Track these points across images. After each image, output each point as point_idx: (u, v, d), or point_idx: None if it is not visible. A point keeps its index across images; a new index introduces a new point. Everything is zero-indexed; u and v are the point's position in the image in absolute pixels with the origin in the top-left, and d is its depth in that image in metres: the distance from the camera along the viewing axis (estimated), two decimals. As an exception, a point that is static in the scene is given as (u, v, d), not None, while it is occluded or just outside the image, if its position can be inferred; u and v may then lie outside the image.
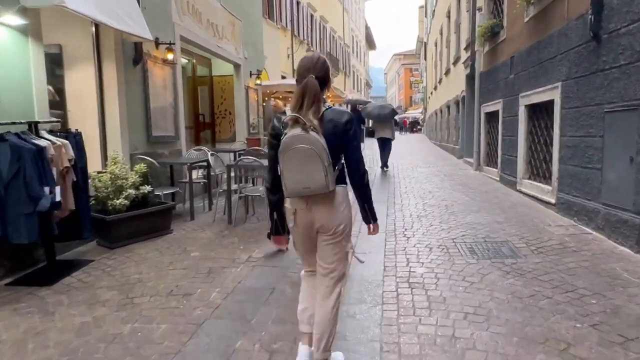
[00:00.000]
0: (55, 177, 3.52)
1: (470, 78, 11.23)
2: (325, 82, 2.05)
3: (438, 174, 9.58)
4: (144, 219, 4.73)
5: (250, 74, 10.72)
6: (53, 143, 3.57)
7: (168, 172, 6.24)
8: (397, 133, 36.56)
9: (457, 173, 9.65)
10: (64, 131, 3.90)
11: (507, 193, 7.00)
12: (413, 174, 9.90)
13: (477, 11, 9.33)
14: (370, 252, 4.13)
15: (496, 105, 8.12)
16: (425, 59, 33.44)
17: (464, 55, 11.40)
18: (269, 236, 4.06)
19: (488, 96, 8.77)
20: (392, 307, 3.04)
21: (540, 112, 6.18)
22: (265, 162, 5.35)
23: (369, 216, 2.19)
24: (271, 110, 18.43)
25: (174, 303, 3.15)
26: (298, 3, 22.40)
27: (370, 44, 58.15)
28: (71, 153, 3.72)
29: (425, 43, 33.04)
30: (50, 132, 3.78)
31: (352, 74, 40.50)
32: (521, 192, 6.67)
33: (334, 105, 2.32)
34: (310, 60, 2.06)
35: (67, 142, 3.71)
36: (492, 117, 8.71)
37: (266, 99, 16.34)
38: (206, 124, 10.03)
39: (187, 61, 9.12)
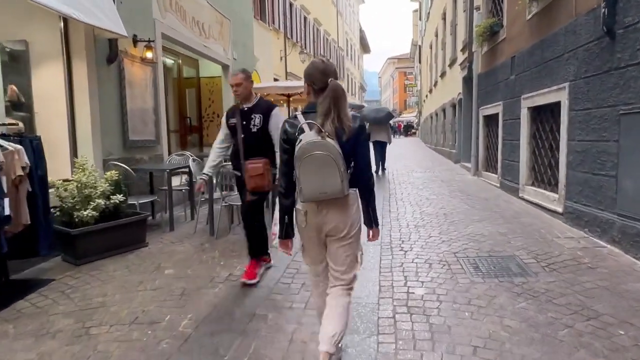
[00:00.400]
0: (4, 187, 3.08)
1: (467, 80, 10.90)
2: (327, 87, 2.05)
3: (435, 180, 9.21)
4: (115, 232, 4.30)
5: (240, 76, 10.29)
6: (3, 149, 3.14)
7: (147, 179, 5.81)
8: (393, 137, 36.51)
9: (454, 178, 9.28)
10: (19, 135, 3.46)
11: (508, 200, 6.62)
12: (409, 179, 9.52)
13: (474, 10, 9.00)
14: (364, 268, 3.72)
15: (496, 108, 7.76)
16: (419, 62, 33.23)
17: (461, 57, 11.07)
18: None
19: (487, 98, 8.43)
20: (389, 337, 2.63)
21: (544, 115, 5.82)
22: None
23: (372, 220, 2.23)
24: (263, 113, 18.02)
25: (137, 334, 2.72)
26: (291, 5, 22.07)
27: (365, 47, 57.99)
28: (25, 160, 3.29)
29: (419, 46, 32.84)
30: (2, 136, 3.34)
31: (347, 77, 40.20)
32: (524, 199, 6.30)
33: None
34: (323, 64, 2.11)
35: (20, 147, 3.28)
36: (491, 120, 8.36)
37: (257, 101, 15.98)
38: (193, 128, 9.60)
39: (172, 61, 8.71)
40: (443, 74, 15.07)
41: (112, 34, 4.79)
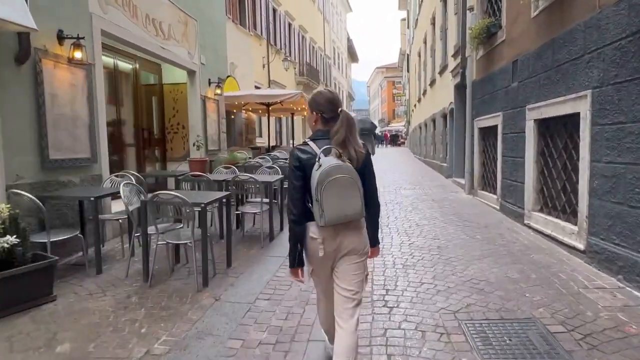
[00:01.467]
0: None
1: (459, 88, 10.00)
2: (336, 115, 2.14)
3: (425, 199, 8.23)
4: (5, 285, 3.21)
5: (210, 83, 9.29)
6: None
7: (76, 207, 4.73)
8: (376, 147, 35.54)
9: (447, 197, 8.31)
10: None
11: (512, 228, 5.65)
12: (396, 197, 8.54)
13: (467, 11, 8.12)
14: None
15: (494, 120, 6.84)
16: (407, 71, 32.58)
17: (452, 64, 10.19)
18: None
19: (483, 108, 7.51)
20: None
21: (556, 129, 4.89)
22: (193, 194, 4.25)
23: (375, 240, 2.32)
24: (242, 124, 17.01)
25: None
26: (274, 10, 21.15)
27: (353, 56, 57.42)
28: None
29: (407, 55, 32.23)
30: None
31: (334, 85, 39.41)
32: (531, 227, 5.34)
33: None
34: (331, 94, 2.23)
35: None
36: (488, 133, 7.43)
37: (234, 111, 14.94)
38: (153, 141, 8.52)
39: (128, 65, 7.65)
40: (432, 82, 14.22)
41: (17, 27, 3.74)
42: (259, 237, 5.47)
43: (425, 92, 16.78)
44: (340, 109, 2.13)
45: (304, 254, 2.19)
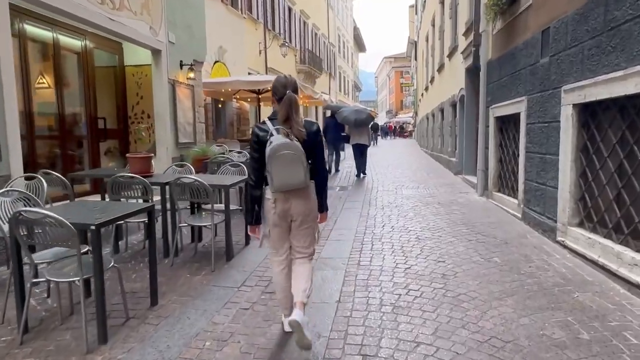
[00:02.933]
0: None
1: (471, 71, 8.65)
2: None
3: (430, 202, 6.94)
4: None
5: (181, 65, 8.04)
6: None
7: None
8: (381, 139, 34.03)
9: (456, 200, 7.01)
10: None
11: (541, 247, 4.36)
12: (396, 199, 7.26)
13: (483, -23, 6.75)
14: None
15: (515, 106, 5.52)
16: (415, 59, 31.05)
17: (463, 43, 8.83)
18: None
19: (501, 93, 6.18)
20: None
21: (608, 117, 3.58)
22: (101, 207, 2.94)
23: (323, 206, 2.70)
24: (233, 114, 15.77)
25: None
26: (272, -8, 19.79)
27: (360, 46, 55.79)
28: None
29: (415, 42, 30.67)
30: None
31: (339, 75, 37.98)
32: (567, 247, 4.05)
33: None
34: (285, 79, 2.58)
35: None
36: (507, 123, 6.12)
37: (221, 99, 13.69)
38: (113, 133, 7.32)
39: (76, 42, 6.43)
40: (441, 68, 12.84)
41: None
42: (218, 253, 4.26)
43: (433, 79, 15.38)
44: (288, 91, 2.47)
45: (261, 214, 2.60)
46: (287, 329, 2.61)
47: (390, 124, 48.63)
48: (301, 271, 2.61)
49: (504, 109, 6.02)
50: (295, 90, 2.51)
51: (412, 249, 4.43)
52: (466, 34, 8.47)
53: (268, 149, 2.36)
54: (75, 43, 6.40)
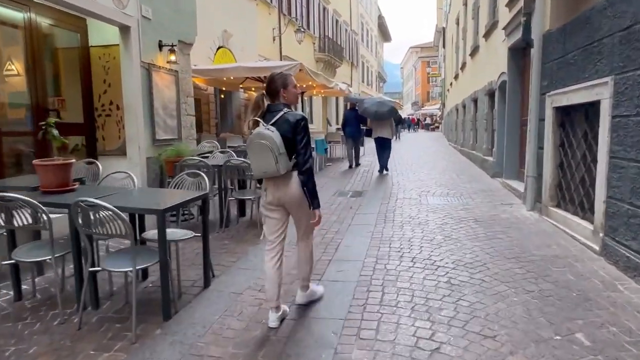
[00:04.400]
0: None
1: (516, 52, 6.99)
2: (277, 93, 2.65)
3: (463, 217, 5.39)
4: None
5: (161, 46, 6.69)
6: None
7: None
8: (405, 132, 32.03)
9: (498, 216, 5.42)
10: None
11: (645, 308, 2.80)
12: (420, 212, 5.74)
13: None
14: None
15: (592, 92, 3.91)
16: (444, 47, 29.00)
17: (505, 17, 7.14)
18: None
19: (565, 74, 4.56)
20: None
21: None
22: None
23: (309, 201, 2.68)
24: (241, 105, 14.41)
25: None
26: (288, -25, 18.30)
27: (385, 35, 53.62)
28: None
29: (443, 29, 28.60)
30: None
31: (361, 65, 36.21)
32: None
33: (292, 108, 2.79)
34: (269, 76, 2.71)
35: None
36: (574, 114, 4.50)
37: (223, 88, 12.36)
38: (74, 128, 6.05)
39: (18, 14, 5.14)
40: (474, 51, 11.10)
41: None
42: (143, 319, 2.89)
43: (464, 65, 13.61)
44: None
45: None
46: (271, 324, 2.70)
47: (413, 117, 46.38)
48: (302, 256, 2.93)
49: (571, 96, 4.39)
50: (270, 83, 2.67)
51: (441, 307, 2.94)
52: (510, 3, 6.79)
53: (247, 140, 2.58)
54: (15, 15, 5.11)
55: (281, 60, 16.75)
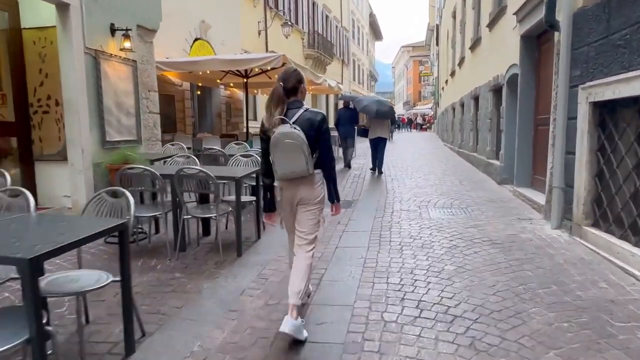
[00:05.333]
0: None
1: (530, 39, 6.04)
2: (296, 89, 2.60)
3: (477, 238, 4.40)
4: None
5: (113, 31, 5.64)
6: None
7: None
8: (397, 132, 31.04)
9: (517, 236, 4.43)
10: None
11: None
12: (421, 230, 4.75)
13: None
14: None
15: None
16: (437, 44, 28.13)
17: (517, 1, 6.16)
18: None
19: (610, 61, 3.60)
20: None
21: None
22: None
23: (333, 195, 2.72)
24: (221, 103, 13.32)
25: None
26: (273, -35, 17.23)
27: (376, 33, 52.71)
28: None
29: (437, 26, 27.75)
30: None
31: (352, 62, 35.23)
32: None
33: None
34: (285, 72, 2.66)
35: None
36: (621, 111, 3.55)
37: (199, 84, 11.28)
38: (6, 127, 4.98)
39: None
40: (475, 44, 10.16)
41: None
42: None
43: (462, 61, 12.67)
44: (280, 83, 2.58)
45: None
46: (283, 330, 2.41)
47: (404, 117, 45.39)
48: (298, 267, 2.64)
49: (618, 87, 3.42)
50: (285, 80, 2.58)
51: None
52: (524, -16, 5.82)
53: (272, 139, 2.47)
54: None
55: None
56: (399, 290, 3.17)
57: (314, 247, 2.70)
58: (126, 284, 2.39)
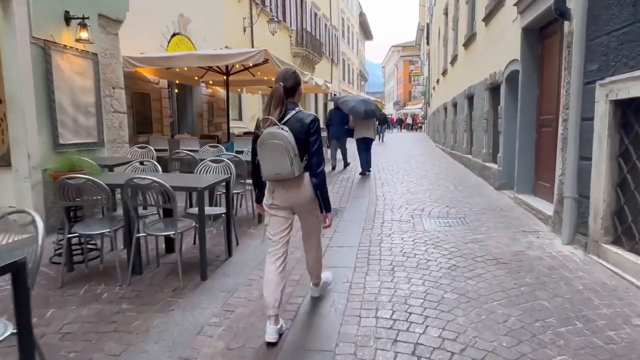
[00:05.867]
0: None
1: (532, 33, 5.53)
2: (295, 90, 2.59)
3: (479, 257, 3.84)
4: None
5: (68, 19, 4.99)
6: None
7: None
8: (389, 133, 30.53)
9: (524, 253, 3.89)
10: None
11: None
12: (415, 246, 4.18)
13: None
14: None
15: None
16: (427, 43, 27.72)
17: (518, -9, 5.63)
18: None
19: (637, 52, 3.05)
20: None
21: None
22: None
23: (321, 205, 2.59)
24: (202, 102, 12.64)
25: None
26: (259, -41, 16.59)
27: (366, 33, 52.28)
28: None
29: (427, 25, 27.33)
30: None
31: (342, 62, 34.69)
32: None
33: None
34: (285, 71, 2.63)
35: None
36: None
37: (177, 82, 10.63)
38: None
39: None
40: (470, 40, 9.65)
41: None
42: None
43: (455, 59, 12.18)
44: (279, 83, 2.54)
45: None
46: (269, 338, 2.44)
47: (392, 117, 44.87)
48: (309, 247, 2.84)
49: (650, 82, 2.89)
50: (285, 80, 2.54)
51: None
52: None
53: (259, 138, 2.45)
54: None
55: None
56: (390, 328, 2.60)
57: (320, 237, 2.86)
58: (26, 338, 1.78)
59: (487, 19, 7.64)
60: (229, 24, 14.01)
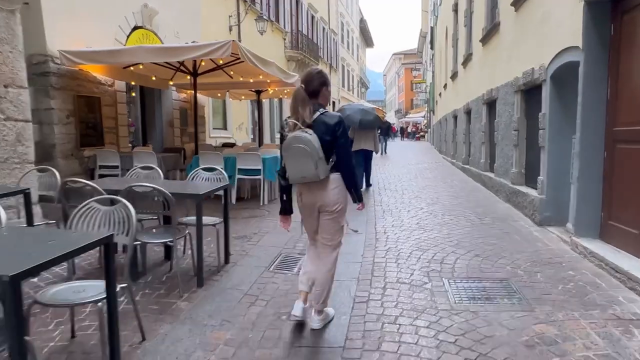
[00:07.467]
0: None
1: (603, 8, 3.81)
2: (317, 92, 2.54)
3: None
4: None
5: None
6: None
7: None
8: (391, 141, 28.67)
9: (618, 354, 2.15)
10: None
11: None
12: (439, 349, 2.43)
13: None
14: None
15: None
16: (431, 48, 26.14)
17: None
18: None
19: None
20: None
21: None
22: None
23: (355, 197, 2.63)
24: (173, 108, 10.88)
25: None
26: (247, -48, 14.96)
27: (367, 40, 50.78)
28: None
29: (431, 29, 25.78)
30: None
31: (342, 68, 33.10)
32: None
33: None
34: (308, 73, 2.62)
35: None
36: None
37: (133, 84, 8.91)
38: None
39: None
40: (489, 34, 7.92)
41: None
42: None
43: (467, 59, 10.47)
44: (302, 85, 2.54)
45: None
46: (295, 312, 2.62)
47: (394, 126, 43.10)
48: (323, 261, 2.68)
49: None
50: (307, 82, 2.53)
51: None
52: None
53: (284, 142, 2.48)
54: None
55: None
56: None
57: (337, 253, 2.71)
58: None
59: (519, 1, 5.93)
60: (210, 21, 12.38)
